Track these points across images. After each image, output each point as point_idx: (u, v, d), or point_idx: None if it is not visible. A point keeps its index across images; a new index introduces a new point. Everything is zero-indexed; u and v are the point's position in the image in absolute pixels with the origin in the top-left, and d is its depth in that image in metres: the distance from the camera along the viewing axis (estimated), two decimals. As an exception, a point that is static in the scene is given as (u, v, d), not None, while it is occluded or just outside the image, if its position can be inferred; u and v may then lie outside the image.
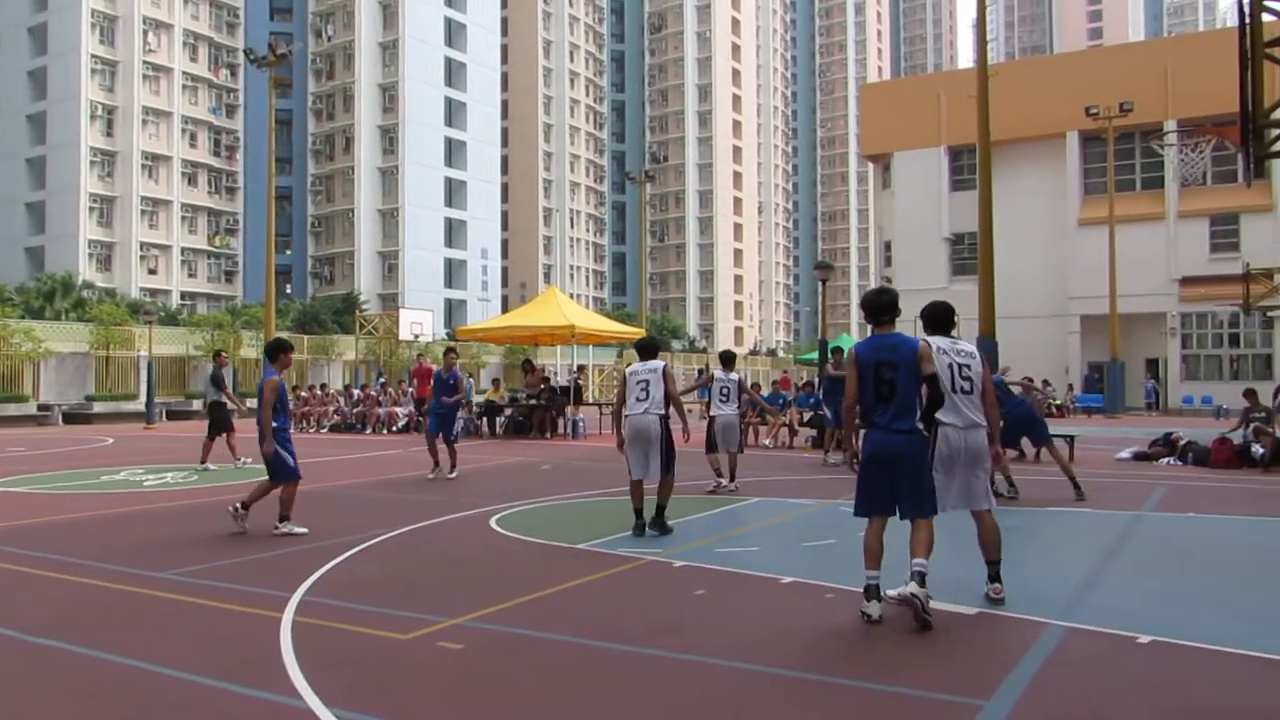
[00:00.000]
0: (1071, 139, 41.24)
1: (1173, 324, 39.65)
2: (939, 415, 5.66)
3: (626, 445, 8.28)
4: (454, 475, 12.83)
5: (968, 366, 5.86)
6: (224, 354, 17.14)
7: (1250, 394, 15.76)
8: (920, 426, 5.43)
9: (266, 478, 8.40)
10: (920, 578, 5.16)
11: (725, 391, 11.44)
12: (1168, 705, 4.05)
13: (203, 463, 14.41)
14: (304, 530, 8.16)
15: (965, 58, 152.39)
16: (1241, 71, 8.22)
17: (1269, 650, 4.77)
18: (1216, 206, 39.05)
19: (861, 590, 5.35)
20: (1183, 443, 15.62)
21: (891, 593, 5.32)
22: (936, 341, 5.90)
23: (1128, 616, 5.38)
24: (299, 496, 8.48)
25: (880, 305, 5.57)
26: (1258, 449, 14.31)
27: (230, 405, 14.78)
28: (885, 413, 5.37)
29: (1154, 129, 36.25)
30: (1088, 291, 38.36)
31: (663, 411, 8.17)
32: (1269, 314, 34.70)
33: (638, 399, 8.21)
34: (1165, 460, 15.38)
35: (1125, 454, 16.26)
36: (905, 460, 5.34)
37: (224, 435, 14.55)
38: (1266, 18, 8.25)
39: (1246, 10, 8.16)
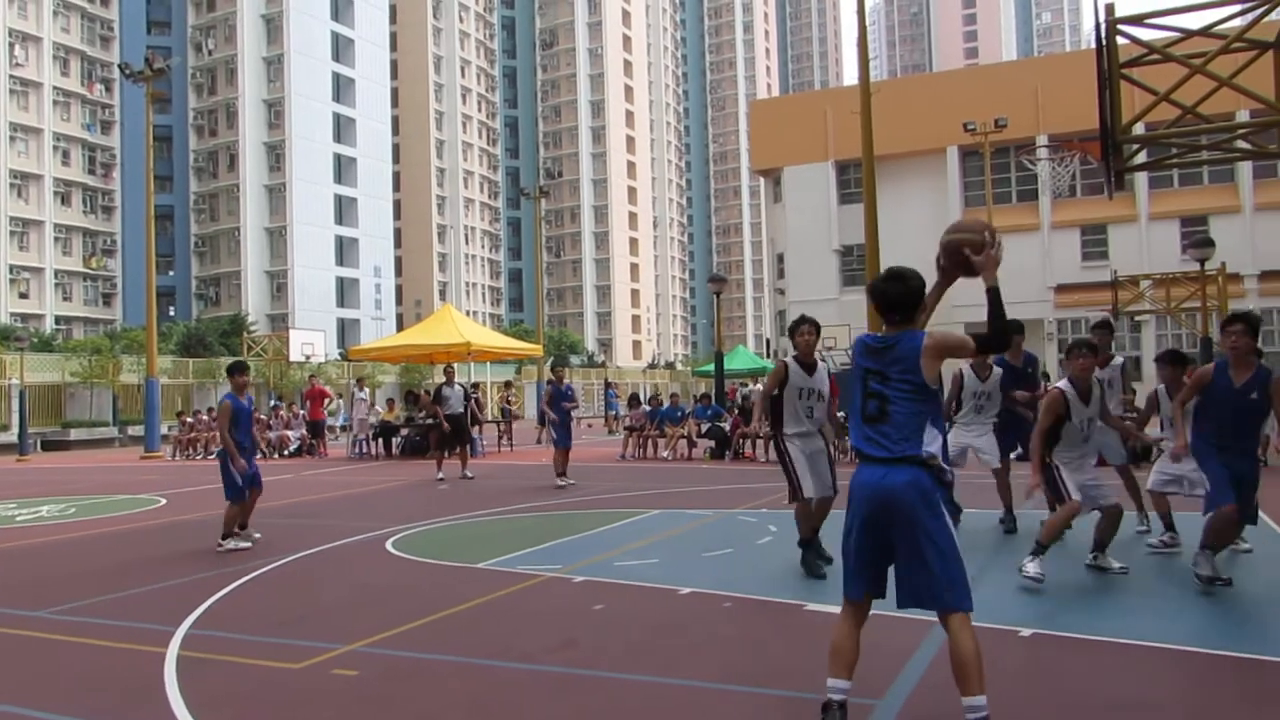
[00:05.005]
0: (951, 153, 42.71)
1: (1050, 329, 41.34)
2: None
3: (803, 461, 7.00)
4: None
5: None
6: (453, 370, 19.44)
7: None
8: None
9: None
10: None
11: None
12: (1047, 693, 4.24)
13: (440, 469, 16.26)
14: (248, 544, 8.78)
15: (850, 75, 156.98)
16: (1100, 91, 8.68)
17: (1140, 638, 5.06)
18: (1086, 217, 40.93)
19: (759, 600, 5.45)
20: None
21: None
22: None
23: (1010, 611, 5.60)
24: (183, 524, 8.22)
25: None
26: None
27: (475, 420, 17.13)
28: None
29: (1026, 144, 37.81)
30: (970, 300, 38.40)
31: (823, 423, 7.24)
32: (1136, 319, 36.50)
33: (805, 416, 7.07)
34: (1045, 460, 16.01)
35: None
36: None
37: (461, 447, 16.58)
38: (1121, 41, 8.75)
39: (1103, 34, 8.64)
